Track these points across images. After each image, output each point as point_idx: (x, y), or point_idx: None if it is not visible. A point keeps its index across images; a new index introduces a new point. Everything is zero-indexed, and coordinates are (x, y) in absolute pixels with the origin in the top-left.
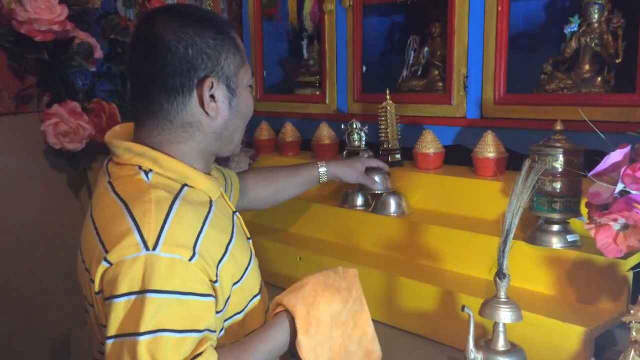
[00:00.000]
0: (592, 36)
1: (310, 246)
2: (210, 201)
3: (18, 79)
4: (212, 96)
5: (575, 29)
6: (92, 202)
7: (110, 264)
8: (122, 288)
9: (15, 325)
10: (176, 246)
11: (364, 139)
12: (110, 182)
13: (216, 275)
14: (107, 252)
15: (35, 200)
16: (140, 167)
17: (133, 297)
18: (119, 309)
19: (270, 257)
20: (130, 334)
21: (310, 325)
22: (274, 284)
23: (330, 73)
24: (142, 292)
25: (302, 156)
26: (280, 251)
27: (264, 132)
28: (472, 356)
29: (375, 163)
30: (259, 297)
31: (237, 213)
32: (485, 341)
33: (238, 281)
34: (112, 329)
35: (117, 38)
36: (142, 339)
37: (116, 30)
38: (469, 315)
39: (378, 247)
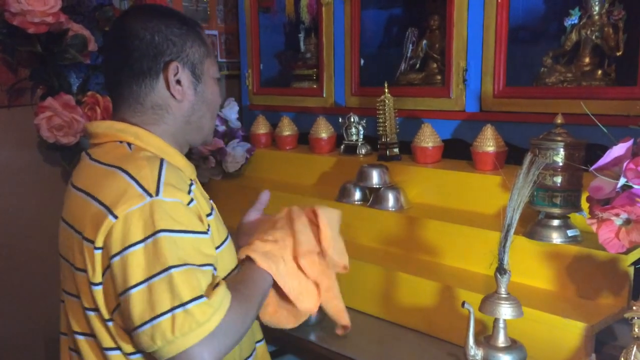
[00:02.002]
0: (592, 29)
1: None
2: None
3: (11, 72)
4: (178, 81)
5: (576, 21)
6: (71, 180)
7: (117, 217)
8: (137, 235)
9: (10, 320)
10: (175, 191)
11: (361, 132)
12: (92, 158)
13: (207, 227)
14: (110, 208)
15: (28, 194)
16: (121, 142)
17: (150, 240)
18: (139, 255)
19: None
20: (160, 272)
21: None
22: None
23: (327, 66)
24: (157, 232)
25: (299, 150)
26: None
27: (261, 126)
28: (472, 352)
29: (259, 204)
30: (235, 272)
31: (212, 201)
32: (485, 337)
33: (217, 247)
34: (137, 276)
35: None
36: (174, 271)
37: (111, 23)
38: (469, 311)
39: (376, 242)
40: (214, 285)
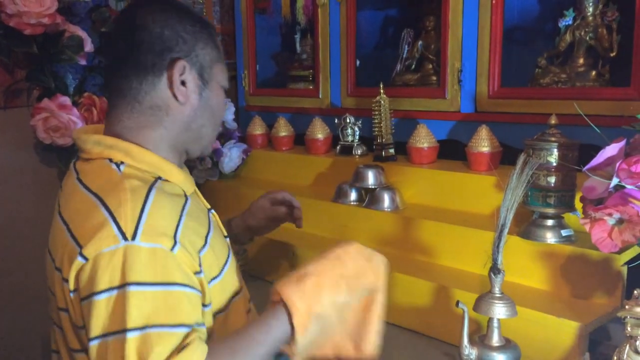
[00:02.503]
0: (586, 30)
1: (303, 241)
2: (185, 195)
3: (7, 73)
4: (183, 82)
5: (570, 22)
6: (59, 202)
7: (87, 259)
8: (102, 284)
9: (6, 323)
10: (157, 235)
11: (357, 133)
12: (79, 179)
13: (199, 266)
14: (81, 247)
15: (25, 195)
16: (111, 160)
17: (115, 292)
18: (101, 307)
19: (263, 252)
20: (116, 332)
21: (310, 323)
22: (267, 279)
23: (323, 67)
24: (124, 285)
25: (295, 150)
26: (274, 247)
27: (257, 126)
28: (466, 352)
29: (281, 195)
30: (240, 295)
31: (213, 210)
32: (480, 337)
33: (217, 276)
34: (96, 329)
35: (108, 31)
36: (130, 337)
37: (107, 24)
38: (463, 311)
39: (372, 243)
40: (182, 347)
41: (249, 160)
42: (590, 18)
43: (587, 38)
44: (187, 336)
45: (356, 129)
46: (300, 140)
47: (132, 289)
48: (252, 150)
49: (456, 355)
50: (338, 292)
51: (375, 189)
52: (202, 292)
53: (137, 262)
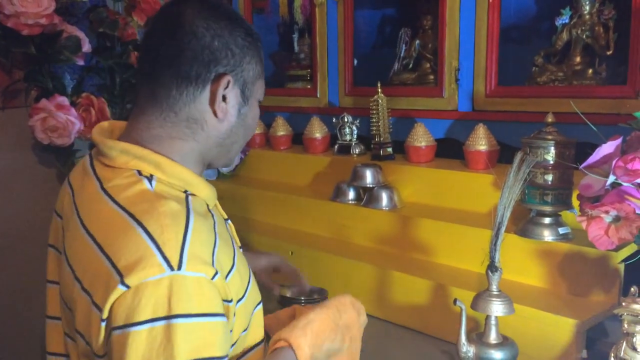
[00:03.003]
0: (583, 28)
1: (302, 241)
2: (209, 209)
3: (5, 73)
4: (224, 97)
5: (567, 20)
6: (77, 209)
7: (129, 287)
8: (145, 314)
9: (3, 323)
10: (200, 263)
11: (355, 132)
12: (104, 189)
13: (228, 292)
14: (122, 275)
15: (23, 196)
16: (139, 172)
17: (158, 323)
18: (141, 338)
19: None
20: None
21: None
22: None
23: (321, 66)
24: (169, 317)
25: (293, 150)
26: (272, 246)
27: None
28: (464, 349)
29: (288, 268)
30: (260, 306)
31: (229, 221)
32: (477, 334)
33: (242, 298)
34: None
35: (106, 31)
36: None
37: (105, 24)
38: (461, 309)
39: (370, 241)
40: None
41: (247, 159)
42: (587, 16)
43: (584, 36)
44: None
45: (354, 128)
46: (298, 140)
47: (179, 321)
48: (250, 150)
49: (454, 353)
50: (334, 340)
51: (373, 187)
52: (228, 319)
53: (184, 292)
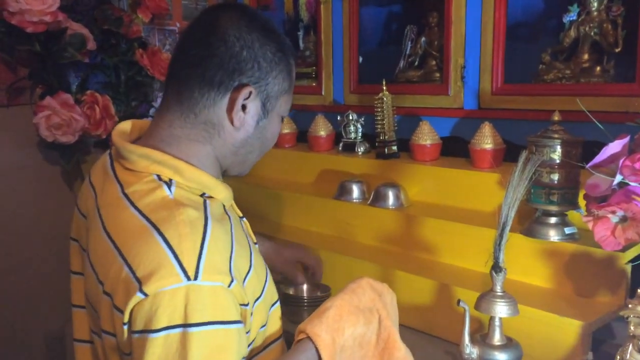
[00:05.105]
0: (591, 25)
1: (306, 239)
2: (226, 210)
3: (10, 71)
4: (243, 106)
5: (575, 17)
6: (99, 211)
7: (147, 295)
8: (161, 322)
9: (9, 321)
10: (217, 273)
11: (360, 130)
12: (125, 194)
13: (246, 296)
14: (141, 282)
15: (27, 193)
16: (159, 177)
17: (174, 331)
18: (157, 344)
19: None
20: None
21: (335, 352)
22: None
23: (326, 64)
24: (184, 326)
25: (298, 148)
26: None
27: None
28: (467, 351)
29: (311, 261)
30: (278, 304)
31: (245, 218)
32: (481, 335)
33: (259, 297)
34: None
35: (111, 29)
36: None
37: (109, 21)
38: (465, 309)
39: (375, 240)
40: None
41: None
42: (595, 13)
43: (592, 33)
44: None
45: (359, 126)
46: (303, 138)
47: (193, 330)
48: None
49: (457, 354)
50: (356, 323)
51: (379, 186)
52: (245, 322)
53: (199, 302)
